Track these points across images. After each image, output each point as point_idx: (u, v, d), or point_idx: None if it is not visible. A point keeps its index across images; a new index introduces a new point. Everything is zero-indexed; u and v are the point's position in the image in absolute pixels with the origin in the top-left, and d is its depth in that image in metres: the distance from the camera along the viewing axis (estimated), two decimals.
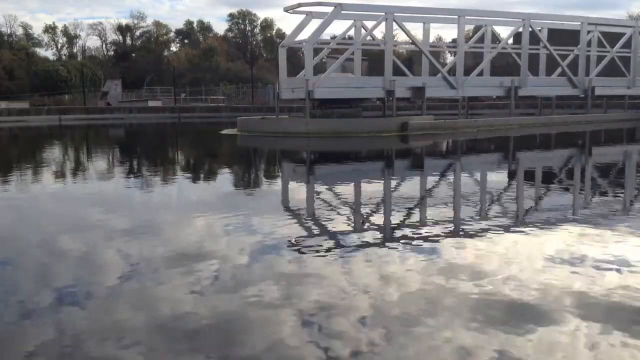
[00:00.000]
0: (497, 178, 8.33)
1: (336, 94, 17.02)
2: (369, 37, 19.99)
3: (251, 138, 16.49)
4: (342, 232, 4.52)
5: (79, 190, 7.29)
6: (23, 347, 2.39)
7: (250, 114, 26.87)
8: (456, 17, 19.12)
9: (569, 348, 2.32)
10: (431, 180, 8.00)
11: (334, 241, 4.22)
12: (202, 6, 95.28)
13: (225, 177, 8.91)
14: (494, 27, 21.83)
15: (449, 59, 43.78)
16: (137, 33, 67.05)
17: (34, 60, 54.11)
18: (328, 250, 3.90)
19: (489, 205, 5.83)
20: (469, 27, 33.47)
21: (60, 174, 8.88)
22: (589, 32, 21.80)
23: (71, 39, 66.73)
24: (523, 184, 7.56)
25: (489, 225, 4.63)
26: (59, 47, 66.68)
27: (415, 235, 4.28)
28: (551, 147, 14.16)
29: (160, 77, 52.61)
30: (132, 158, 12.49)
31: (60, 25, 73.02)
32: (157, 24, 67.26)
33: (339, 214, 5.39)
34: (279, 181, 8.48)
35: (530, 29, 20.19)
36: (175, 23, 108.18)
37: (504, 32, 22.73)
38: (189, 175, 9.09)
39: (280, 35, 60.15)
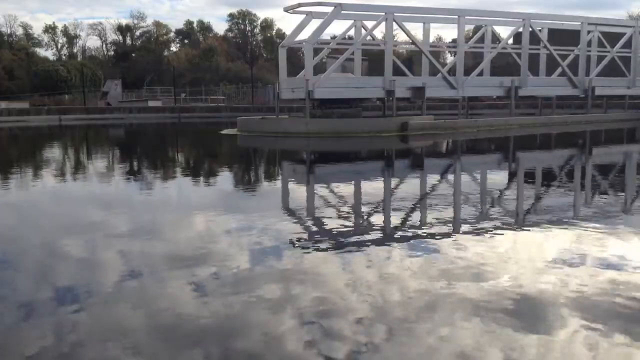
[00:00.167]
0: (497, 178, 8.32)
1: (336, 94, 17.02)
2: (369, 37, 19.99)
3: (251, 138, 16.49)
4: (342, 232, 4.52)
5: (79, 190, 7.28)
6: (23, 347, 2.39)
7: (250, 114, 26.87)
8: (456, 17, 19.12)
9: (570, 348, 2.32)
10: (431, 180, 8.00)
11: (333, 241, 4.22)
12: (202, 6, 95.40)
13: (225, 177, 8.91)
14: (494, 27, 21.83)
15: (449, 59, 43.81)
16: (137, 33, 67.12)
17: (34, 60, 54.11)
18: (328, 249, 3.90)
19: (488, 205, 5.83)
20: (469, 27, 33.52)
21: (60, 174, 8.87)
22: (589, 32, 21.79)
23: (71, 39, 66.76)
24: (523, 184, 7.55)
25: (489, 225, 4.63)
26: (59, 47, 66.75)
27: (415, 235, 4.28)
28: (551, 147, 14.16)
29: (160, 77, 52.62)
30: (132, 158, 12.49)
31: (60, 25, 73.23)
32: (157, 24, 67.33)
33: (338, 213, 5.39)
34: (279, 181, 8.47)
35: (531, 29, 20.18)
36: (175, 23, 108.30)
37: (504, 32, 22.78)
38: (189, 175, 9.08)
39: (280, 35, 60.17)
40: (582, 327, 2.50)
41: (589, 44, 21.95)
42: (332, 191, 6.89)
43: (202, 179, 8.62)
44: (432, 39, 27.12)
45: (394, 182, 7.93)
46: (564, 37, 22.93)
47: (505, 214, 5.33)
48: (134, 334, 2.49)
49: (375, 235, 4.52)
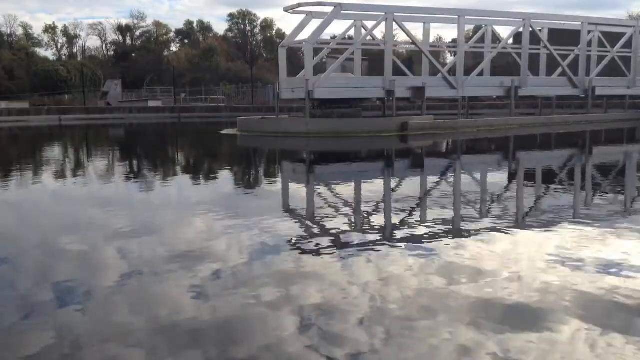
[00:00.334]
0: (497, 178, 8.32)
1: (336, 94, 17.01)
2: (369, 37, 19.98)
3: (251, 138, 16.49)
4: (342, 232, 4.51)
5: (78, 190, 7.27)
6: (23, 347, 2.38)
7: (250, 114, 26.87)
8: (456, 17, 19.11)
9: (569, 349, 2.31)
10: (431, 180, 7.99)
11: (334, 241, 4.21)
12: (201, 6, 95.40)
13: (225, 177, 8.90)
14: (494, 27, 21.82)
15: (449, 59, 43.80)
16: (137, 33, 67.10)
17: (34, 60, 54.11)
18: (328, 249, 3.89)
19: (488, 205, 5.82)
20: (469, 27, 33.51)
21: (60, 174, 8.87)
22: (589, 32, 21.79)
23: (71, 39, 66.76)
24: (523, 184, 7.54)
25: (489, 225, 4.62)
26: (59, 47, 66.76)
27: (415, 235, 4.28)
28: (551, 147, 14.15)
29: (160, 77, 52.61)
30: (132, 158, 12.48)
31: (60, 25, 73.12)
32: (157, 24, 67.32)
33: (338, 213, 5.38)
34: (279, 181, 8.47)
35: (531, 29, 20.18)
36: (175, 23, 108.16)
37: (504, 32, 22.76)
38: (189, 175, 9.08)
39: (280, 35, 60.16)
40: (582, 327, 2.50)
41: (589, 44, 21.95)
42: (332, 191, 6.88)
43: (202, 179, 8.62)
44: (432, 39, 27.11)
45: (393, 182, 7.92)
46: (564, 37, 22.92)
47: (505, 214, 5.32)
48: (133, 333, 2.49)
49: (375, 235, 4.51)
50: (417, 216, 5.28)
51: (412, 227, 4.64)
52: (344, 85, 17.26)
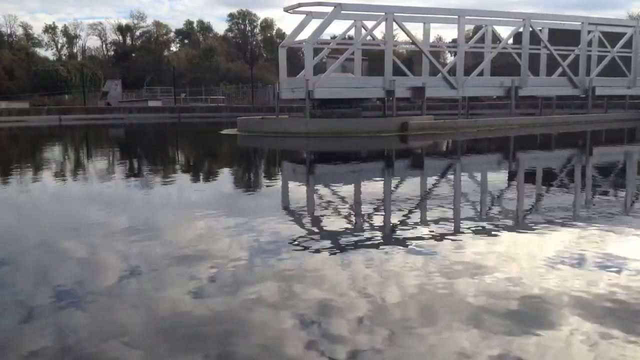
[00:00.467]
0: (497, 178, 8.31)
1: (336, 94, 17.01)
2: (369, 37, 19.98)
3: (251, 138, 16.48)
4: (342, 232, 4.51)
5: (78, 189, 7.27)
6: (23, 347, 2.38)
7: (250, 114, 26.86)
8: (456, 17, 19.11)
9: (570, 349, 2.31)
10: (431, 180, 7.99)
11: (333, 241, 4.20)
12: (201, 6, 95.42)
13: (225, 177, 8.90)
14: (494, 27, 21.81)
15: (449, 59, 43.81)
16: (137, 33, 67.12)
17: (34, 60, 54.12)
18: (328, 249, 3.89)
19: (488, 205, 5.82)
20: (469, 27, 33.52)
21: (60, 174, 8.87)
22: (589, 32, 21.78)
23: (71, 39, 66.76)
24: (523, 184, 7.54)
25: (488, 225, 4.62)
26: (59, 47, 66.76)
27: (415, 235, 4.27)
28: (551, 147, 14.14)
29: (160, 77, 52.61)
30: (132, 158, 12.48)
31: (60, 25, 73.16)
32: (157, 24, 67.33)
33: (338, 213, 5.38)
34: (279, 181, 8.47)
35: (531, 29, 20.18)
36: (175, 23, 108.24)
37: (504, 32, 22.76)
38: (189, 175, 9.07)
39: (280, 35, 60.17)
40: (582, 328, 2.49)
41: (590, 44, 21.95)
42: (332, 191, 6.88)
43: (201, 178, 8.61)
44: (432, 39, 27.10)
45: (394, 182, 7.92)
46: (564, 37, 22.92)
47: (505, 214, 5.32)
48: (133, 333, 2.49)
49: (375, 235, 4.51)
50: (417, 216, 5.28)
51: (412, 227, 4.63)
52: (344, 85, 17.25)
